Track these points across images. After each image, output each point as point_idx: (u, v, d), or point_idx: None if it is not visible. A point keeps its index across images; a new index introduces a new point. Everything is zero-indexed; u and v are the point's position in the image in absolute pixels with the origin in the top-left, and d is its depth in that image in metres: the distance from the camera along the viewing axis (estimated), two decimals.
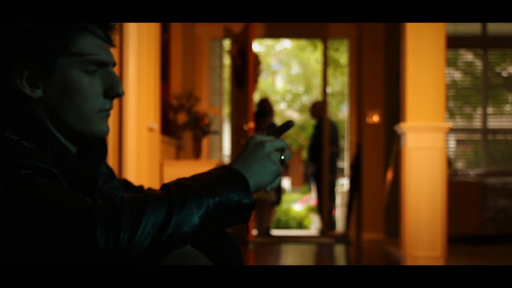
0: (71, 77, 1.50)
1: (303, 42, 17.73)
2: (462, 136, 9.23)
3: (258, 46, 17.29)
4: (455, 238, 7.19)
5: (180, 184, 1.37)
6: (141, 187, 2.09)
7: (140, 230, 1.25)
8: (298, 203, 13.56)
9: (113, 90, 1.56)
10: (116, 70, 4.53)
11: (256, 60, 8.34)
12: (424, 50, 5.37)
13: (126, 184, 2.03)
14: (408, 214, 5.40)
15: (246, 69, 7.61)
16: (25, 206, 1.28)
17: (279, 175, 1.50)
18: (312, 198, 12.45)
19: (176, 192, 1.33)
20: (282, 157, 1.53)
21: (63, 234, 1.25)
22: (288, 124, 1.57)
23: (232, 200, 1.37)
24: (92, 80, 1.53)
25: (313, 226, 11.52)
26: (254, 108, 7.87)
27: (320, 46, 16.42)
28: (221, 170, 1.43)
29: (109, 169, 1.91)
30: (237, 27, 8.15)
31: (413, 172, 5.38)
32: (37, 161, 1.36)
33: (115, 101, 4.56)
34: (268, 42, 18.40)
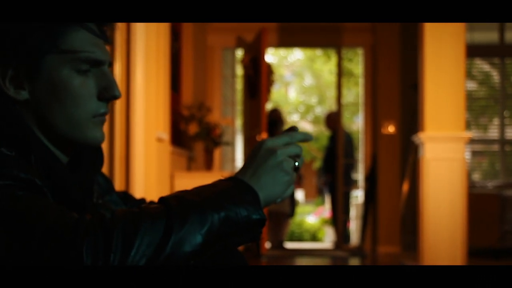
0: (60, 76, 1.34)
1: (315, 53, 17.67)
2: (478, 147, 9.03)
3: (270, 57, 17.21)
4: (474, 251, 7.02)
5: (180, 197, 1.21)
6: (142, 200, 1.89)
7: (133, 250, 1.09)
8: (311, 215, 13.44)
9: (108, 91, 1.39)
10: (122, 78, 4.42)
11: (269, 69, 8.25)
12: (443, 58, 5.22)
13: (127, 197, 1.84)
14: (426, 227, 5.25)
15: (258, 79, 7.51)
16: (1, 222, 1.13)
17: (291, 185, 1.34)
18: (326, 210, 12.34)
19: (176, 206, 1.17)
20: (296, 164, 1.35)
21: (44, 254, 1.10)
22: (293, 129, 1.40)
23: (240, 215, 1.20)
24: (85, 80, 1.36)
25: (327, 239, 11.41)
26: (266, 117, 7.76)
27: (333, 56, 16.34)
28: (227, 182, 1.27)
29: (107, 181, 1.74)
30: (249, 36, 8.06)
31: (432, 184, 5.22)
32: (18, 170, 1.20)
33: (122, 110, 4.52)
34: (281, 53, 18.35)
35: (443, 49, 5.22)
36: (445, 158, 5.20)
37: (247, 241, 1.25)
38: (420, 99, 5.44)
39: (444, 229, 5.22)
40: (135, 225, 1.12)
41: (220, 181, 1.28)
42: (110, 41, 1.44)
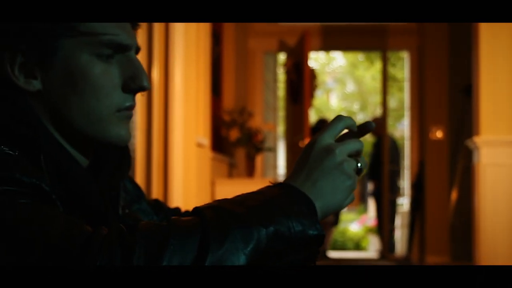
0: (78, 63, 1.13)
1: (357, 59, 17.58)
2: None
3: (312, 63, 17.16)
4: None
5: (219, 207, 0.99)
6: (176, 210, 1.62)
7: None
8: (355, 223, 13.21)
9: (135, 81, 1.17)
10: (160, 81, 4.29)
11: (312, 74, 8.10)
12: (500, 58, 4.97)
13: (158, 206, 1.57)
14: (483, 238, 4.97)
15: (301, 84, 7.37)
16: None
17: (353, 191, 1.09)
18: (370, 218, 12.14)
19: (213, 219, 0.95)
20: (359, 165, 1.11)
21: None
22: (368, 126, 1.16)
23: (293, 230, 0.97)
24: (107, 68, 1.15)
25: (371, 248, 11.19)
26: (310, 124, 7.61)
27: (376, 61, 16.15)
28: (277, 189, 1.04)
29: (136, 187, 1.49)
30: (291, 39, 7.94)
31: (488, 191, 4.96)
32: (21, 174, 1.00)
33: (160, 114, 4.36)
34: (323, 59, 18.34)
35: (499, 49, 4.98)
36: (504, 164, 4.92)
37: (302, 261, 1.01)
38: (474, 102, 5.20)
39: (502, 239, 4.95)
40: (162, 242, 0.91)
41: (267, 188, 1.05)
42: (137, 25, 1.22)
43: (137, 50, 1.22)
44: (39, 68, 1.13)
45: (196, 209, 1.00)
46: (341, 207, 1.08)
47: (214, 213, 0.96)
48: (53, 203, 1.02)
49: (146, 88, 1.18)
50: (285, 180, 1.08)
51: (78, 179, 1.12)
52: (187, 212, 1.54)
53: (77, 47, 1.12)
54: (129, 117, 1.20)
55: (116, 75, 1.16)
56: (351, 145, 1.09)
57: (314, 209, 1.01)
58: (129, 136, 1.20)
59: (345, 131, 1.14)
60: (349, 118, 1.13)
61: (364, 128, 1.14)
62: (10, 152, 1.04)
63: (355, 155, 1.11)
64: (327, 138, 1.09)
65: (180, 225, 0.94)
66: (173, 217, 0.98)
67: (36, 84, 1.13)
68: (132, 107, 1.20)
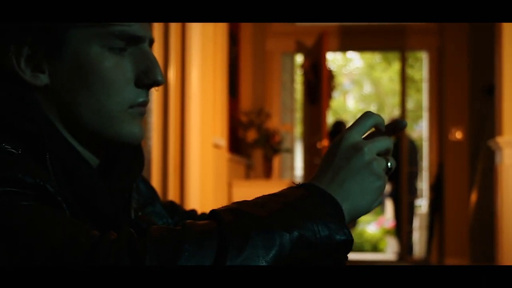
0: (88, 56, 1.06)
1: (375, 60, 17.51)
2: None
3: (330, 64, 17.15)
4: None
5: (238, 210, 0.91)
6: (193, 212, 1.54)
7: None
8: (372, 224, 13.12)
9: (149, 76, 1.10)
10: (176, 81, 4.25)
11: (329, 74, 8.03)
12: None
13: (173, 208, 1.50)
14: (505, 240, 4.89)
15: (319, 84, 7.31)
16: None
17: (383, 192, 1.02)
18: (387, 220, 12.06)
19: (232, 222, 0.88)
20: (389, 164, 1.04)
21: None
22: (399, 125, 1.08)
23: (319, 235, 0.90)
24: (119, 61, 1.08)
25: (389, 250, 11.11)
26: (328, 125, 7.56)
27: (394, 62, 16.07)
28: (301, 190, 0.96)
29: (150, 189, 1.41)
30: (309, 40, 7.89)
31: None
32: (24, 173, 0.93)
33: (176, 114, 4.32)
34: (340, 61, 18.28)
35: None
36: None
37: None
38: (497, 102, 5.12)
39: None
40: (175, 248, 0.84)
41: (290, 189, 0.98)
42: None
43: (151, 42, 1.15)
44: (47, 62, 1.06)
45: (213, 212, 0.93)
46: (369, 210, 1.01)
47: (233, 216, 0.89)
48: (58, 206, 0.95)
49: (160, 82, 1.11)
50: (309, 181, 1.00)
51: (87, 180, 1.05)
52: (203, 214, 1.47)
53: (87, 39, 1.06)
54: (142, 114, 1.13)
55: (129, 68, 1.09)
56: (380, 143, 1.02)
57: (341, 212, 0.94)
58: (142, 134, 1.13)
59: (372, 129, 1.07)
60: (378, 115, 1.06)
61: (394, 127, 1.07)
62: (13, 150, 0.97)
63: (384, 153, 1.04)
64: (355, 135, 1.02)
65: (195, 229, 0.87)
66: (188, 220, 0.91)
67: (43, 79, 1.07)
68: (145, 103, 1.13)
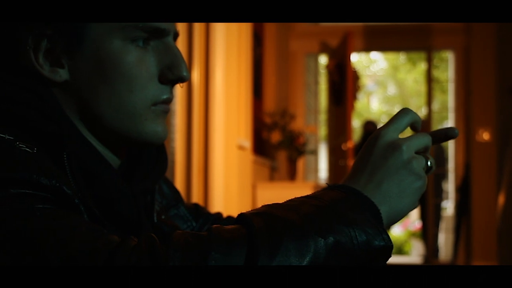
0: (110, 50, 0.99)
1: (399, 61, 17.45)
2: None
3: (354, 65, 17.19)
4: None
5: (269, 215, 0.84)
6: (218, 215, 1.45)
7: None
8: (397, 227, 13.04)
9: (174, 71, 1.03)
10: (200, 82, 4.21)
11: (354, 75, 7.97)
12: None
13: (198, 210, 1.41)
14: None
15: (344, 85, 7.27)
16: (8, 247, 0.80)
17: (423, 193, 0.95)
18: (412, 222, 11.97)
19: (262, 227, 0.81)
20: (429, 163, 0.97)
21: None
22: (450, 132, 1.01)
23: (356, 241, 0.83)
24: (143, 55, 1.02)
25: (414, 253, 11.03)
26: (356, 126, 7.51)
27: (419, 63, 15.97)
28: (335, 192, 0.89)
29: (173, 190, 1.35)
30: (333, 41, 7.87)
31: None
32: (39, 174, 0.86)
33: (200, 115, 4.28)
34: (363, 62, 18.26)
35: None
36: None
37: None
38: None
39: None
40: (201, 256, 0.78)
41: (324, 191, 0.91)
42: None
43: (176, 35, 1.09)
44: (67, 56, 1.00)
45: (241, 216, 0.86)
46: (408, 213, 0.94)
47: (263, 221, 0.82)
48: (75, 209, 0.89)
49: (185, 78, 1.05)
50: (343, 181, 0.94)
51: (107, 181, 0.99)
52: (229, 218, 1.40)
53: (109, 31, 0.99)
54: (166, 111, 1.07)
55: (152, 63, 1.03)
56: (419, 140, 0.95)
57: (379, 215, 0.88)
58: (165, 133, 1.07)
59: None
60: (415, 112, 0.98)
61: (445, 134, 1.01)
62: (28, 149, 0.90)
63: (423, 151, 0.97)
64: (392, 133, 0.95)
65: (223, 235, 0.80)
66: (215, 225, 0.85)
67: (62, 74, 1.00)
68: (169, 100, 1.06)
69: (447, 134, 1.01)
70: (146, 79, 1.02)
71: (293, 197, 0.91)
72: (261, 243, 0.79)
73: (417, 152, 0.95)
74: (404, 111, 0.98)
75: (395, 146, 0.93)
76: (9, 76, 0.99)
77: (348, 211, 0.85)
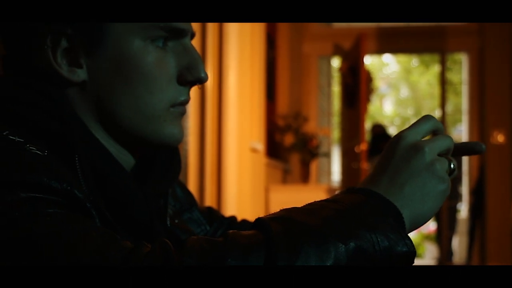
0: (130, 50, 0.97)
1: (412, 64, 17.40)
2: None
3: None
4: None
5: (288, 219, 0.81)
6: (232, 219, 1.42)
7: None
8: None
9: (192, 72, 1.02)
10: (213, 84, 4.20)
11: (368, 77, 7.93)
12: None
13: (212, 214, 1.38)
14: None
15: (357, 87, 7.23)
16: (18, 252, 0.77)
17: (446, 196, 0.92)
18: (425, 225, 11.94)
19: (281, 233, 0.78)
20: (452, 165, 0.94)
21: None
22: (477, 148, 1.00)
23: (378, 247, 0.80)
24: (163, 56, 1.00)
25: (427, 255, 10.98)
26: (366, 129, 7.48)
27: (432, 65, 15.91)
28: (356, 196, 0.86)
29: (187, 194, 1.32)
30: (346, 43, 7.84)
31: None
32: (50, 178, 0.82)
33: (213, 118, 4.25)
34: (376, 65, 18.21)
35: None
36: None
37: None
38: None
39: None
40: (217, 263, 0.75)
41: (345, 194, 0.88)
42: None
43: (192, 35, 1.07)
44: (85, 55, 0.97)
45: (259, 220, 0.83)
46: (431, 217, 0.91)
47: (282, 226, 0.79)
48: (87, 213, 0.86)
49: (203, 79, 1.03)
50: (364, 184, 0.90)
51: (119, 184, 0.96)
52: (244, 221, 1.38)
53: (130, 31, 0.97)
54: (183, 113, 1.05)
55: (172, 64, 1.01)
56: (441, 142, 0.92)
57: (402, 220, 0.84)
58: (182, 135, 1.05)
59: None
60: (438, 120, 0.96)
61: (471, 149, 1.00)
62: (38, 152, 0.87)
63: (445, 154, 0.94)
64: (414, 135, 0.92)
65: (240, 241, 0.78)
66: (231, 231, 0.82)
67: (81, 74, 0.98)
68: (186, 101, 1.04)
69: (474, 148, 0.99)
70: (165, 81, 1.00)
71: (310, 201, 0.88)
72: (280, 249, 0.76)
73: (439, 155, 0.92)
74: (427, 117, 0.96)
75: (418, 148, 0.90)
76: (20, 78, 0.97)
77: (369, 215, 0.82)
